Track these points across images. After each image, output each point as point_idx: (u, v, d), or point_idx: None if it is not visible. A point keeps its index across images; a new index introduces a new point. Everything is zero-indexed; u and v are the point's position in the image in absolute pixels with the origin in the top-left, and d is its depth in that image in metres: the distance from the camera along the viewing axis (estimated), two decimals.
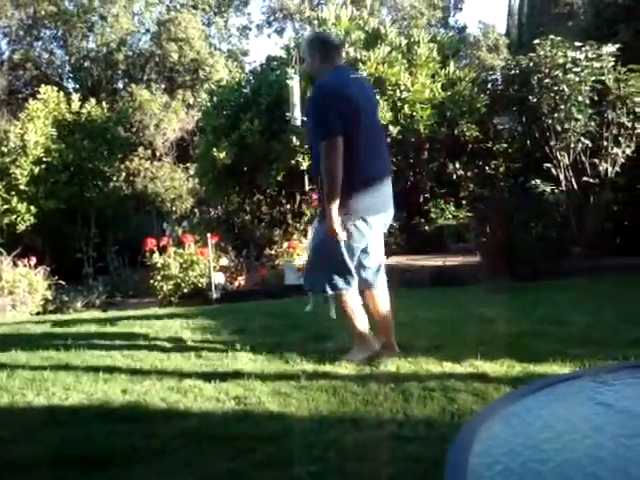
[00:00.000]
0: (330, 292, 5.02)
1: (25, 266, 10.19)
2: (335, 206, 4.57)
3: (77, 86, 19.37)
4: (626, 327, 5.89)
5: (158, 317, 7.88)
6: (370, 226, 4.81)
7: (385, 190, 4.92)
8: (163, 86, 18.68)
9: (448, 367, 4.96)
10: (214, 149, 9.64)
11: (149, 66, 19.01)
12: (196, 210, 16.37)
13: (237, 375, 5.02)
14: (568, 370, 4.65)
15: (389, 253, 10.60)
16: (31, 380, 5.22)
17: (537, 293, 8.12)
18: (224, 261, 10.35)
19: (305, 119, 5.76)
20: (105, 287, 11.74)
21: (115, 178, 13.87)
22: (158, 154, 17.70)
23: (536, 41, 9.84)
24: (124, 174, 15.22)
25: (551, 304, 7.26)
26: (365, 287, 5.19)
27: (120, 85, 19.41)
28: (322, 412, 4.17)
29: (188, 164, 18.11)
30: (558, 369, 4.71)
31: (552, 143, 9.62)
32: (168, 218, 15.22)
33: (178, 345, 6.16)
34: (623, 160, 9.74)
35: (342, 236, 4.69)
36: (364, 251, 4.94)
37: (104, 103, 13.05)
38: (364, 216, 4.75)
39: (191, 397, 4.57)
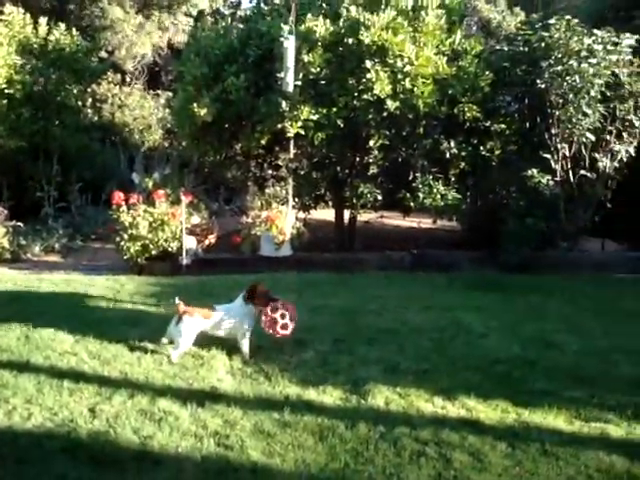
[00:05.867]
0: None
1: None
2: None
3: None
4: (616, 359, 5.67)
5: (125, 294, 7.41)
6: None
7: None
8: (136, 5, 17.37)
9: (439, 407, 4.65)
10: (194, 104, 8.90)
11: None
12: (165, 144, 15.59)
13: (215, 398, 4.66)
14: (563, 422, 4.42)
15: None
16: None
17: (524, 296, 7.87)
18: (195, 219, 9.81)
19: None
20: (66, 229, 11.11)
21: (80, 103, 12.92)
22: (128, 79, 16.64)
23: (551, 21, 9.21)
24: (90, 99, 14.22)
25: (537, 316, 7.02)
26: None
27: None
28: (309, 467, 3.83)
29: (159, 91, 17.15)
30: (552, 420, 4.46)
31: (554, 131, 9.18)
32: (136, 153, 14.44)
33: (148, 339, 5.70)
34: (624, 157, 9.42)
35: None
36: None
37: (74, 29, 11.93)
38: None
39: (166, 430, 4.20)
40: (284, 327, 5.48)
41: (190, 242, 9.17)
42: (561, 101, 9.15)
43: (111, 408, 4.46)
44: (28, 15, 11.68)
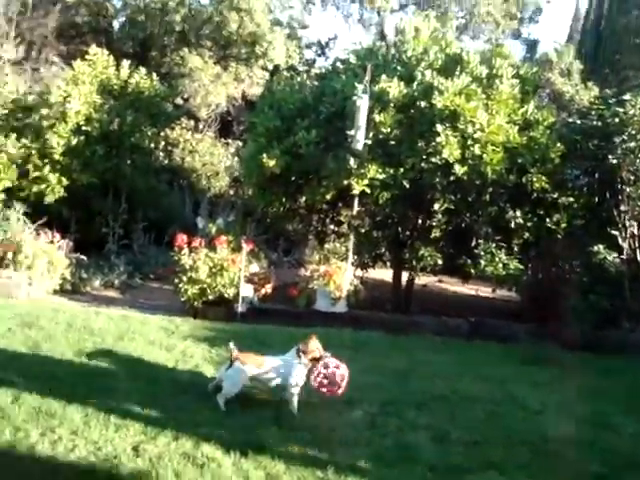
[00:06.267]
0: None
1: (48, 239, 9.80)
2: None
3: (129, 42, 18.68)
4: None
5: (179, 336, 7.45)
6: None
7: None
8: (215, 56, 18.00)
9: None
10: (264, 154, 9.07)
11: (205, 31, 18.30)
12: (231, 191, 15.91)
13: (259, 448, 4.56)
14: None
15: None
16: (37, 412, 4.83)
17: (581, 374, 7.56)
18: (254, 268, 9.86)
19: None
20: (127, 266, 11.33)
21: (153, 145, 13.33)
22: (201, 126, 17.15)
23: (626, 97, 9.15)
24: (163, 143, 14.68)
25: (595, 396, 6.69)
26: None
27: (172, 45, 18.66)
28: None
29: (229, 140, 17.58)
30: None
31: (623, 208, 9.00)
32: (201, 198, 14.75)
33: (197, 384, 5.70)
34: None
35: None
36: None
37: (154, 74, 12.44)
38: None
39: (208, 476, 4.15)
40: (334, 385, 5.32)
41: (247, 290, 9.21)
42: (633, 178, 8.99)
43: (155, 448, 4.43)
44: (112, 57, 12.23)
